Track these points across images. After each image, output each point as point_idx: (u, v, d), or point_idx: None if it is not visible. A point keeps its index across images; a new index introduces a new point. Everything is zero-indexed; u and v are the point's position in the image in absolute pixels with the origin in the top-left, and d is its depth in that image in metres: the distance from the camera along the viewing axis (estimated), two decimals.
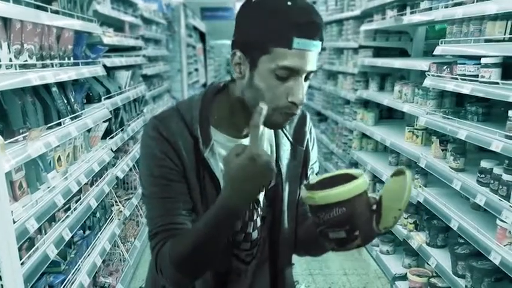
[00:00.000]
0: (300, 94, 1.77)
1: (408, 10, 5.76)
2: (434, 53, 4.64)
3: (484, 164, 3.89)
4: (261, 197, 2.06)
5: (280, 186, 2.10)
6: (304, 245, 2.19)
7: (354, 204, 1.61)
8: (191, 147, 1.87)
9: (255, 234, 2.07)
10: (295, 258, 2.27)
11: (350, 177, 1.67)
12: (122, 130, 5.87)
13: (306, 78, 1.80)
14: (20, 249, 2.97)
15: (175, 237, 1.82)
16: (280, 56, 1.70)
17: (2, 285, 2.76)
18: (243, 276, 2.12)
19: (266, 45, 1.71)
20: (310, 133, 2.22)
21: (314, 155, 2.26)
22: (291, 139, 2.12)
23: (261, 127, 1.75)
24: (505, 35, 3.75)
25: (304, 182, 1.99)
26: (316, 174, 2.28)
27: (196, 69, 15.82)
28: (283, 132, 2.10)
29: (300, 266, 6.02)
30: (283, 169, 2.10)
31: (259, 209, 2.06)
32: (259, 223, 2.08)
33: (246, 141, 1.94)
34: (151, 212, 1.92)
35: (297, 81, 1.76)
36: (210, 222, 1.72)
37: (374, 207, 1.71)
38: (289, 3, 1.68)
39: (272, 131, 2.07)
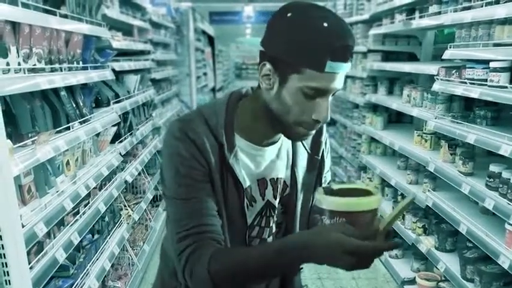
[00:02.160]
0: (325, 113, 1.80)
1: (417, 14, 5.76)
2: (443, 57, 4.63)
3: (493, 168, 3.88)
4: (277, 203, 2.08)
5: (295, 194, 2.11)
6: None
7: (355, 219, 1.61)
8: (216, 151, 1.87)
9: (270, 240, 2.10)
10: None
11: (368, 193, 1.69)
12: (130, 134, 5.86)
13: (332, 94, 1.82)
14: (28, 253, 2.98)
15: (218, 249, 1.79)
16: (311, 78, 1.71)
17: None
18: None
19: (298, 65, 1.71)
20: (326, 143, 2.23)
21: (327, 165, 2.27)
22: (308, 149, 2.13)
23: (281, 137, 1.92)
24: None
25: (325, 185, 1.99)
26: (328, 183, 2.29)
27: (205, 74, 15.84)
28: (302, 142, 2.11)
29: (309, 270, 6.01)
30: (299, 178, 2.11)
31: (274, 215, 2.08)
32: (274, 229, 2.11)
33: (268, 150, 2.00)
34: (178, 213, 1.87)
35: (324, 100, 1.78)
36: (269, 255, 1.70)
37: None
38: (325, 24, 1.67)
39: None
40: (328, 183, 2.28)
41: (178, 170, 1.85)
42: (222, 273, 1.73)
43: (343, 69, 1.73)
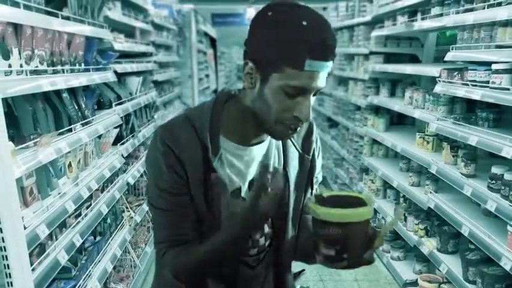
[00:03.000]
0: (306, 111, 1.81)
1: (419, 16, 5.75)
2: (445, 59, 4.63)
3: (495, 170, 3.88)
4: None
5: (287, 195, 2.12)
6: (303, 253, 2.19)
7: (350, 230, 1.67)
8: (200, 155, 1.89)
9: (262, 241, 2.11)
10: (306, 265, 2.27)
11: (359, 201, 1.74)
12: (132, 136, 5.88)
13: (315, 94, 1.83)
14: (30, 255, 2.98)
15: (179, 250, 1.96)
16: (291, 76, 1.72)
17: None
18: (250, 280, 2.15)
19: (278, 64, 1.72)
20: (316, 142, 2.24)
21: (319, 165, 2.29)
22: (299, 149, 2.14)
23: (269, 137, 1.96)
24: None
25: (316, 192, 2.00)
26: (320, 183, 2.32)
27: (207, 75, 15.85)
28: (291, 141, 2.12)
29: (311, 272, 6.01)
30: (291, 178, 2.12)
31: None
32: (266, 229, 2.11)
33: (254, 149, 2.01)
34: (157, 221, 2.03)
35: (305, 98, 1.79)
36: (215, 247, 1.91)
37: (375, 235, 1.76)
38: (304, 22, 1.68)
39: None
40: (320, 183, 2.31)
41: (157, 183, 1.93)
42: (183, 271, 1.98)
43: (323, 68, 1.74)
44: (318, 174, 2.29)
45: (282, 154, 2.12)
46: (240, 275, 2.11)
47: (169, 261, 1.97)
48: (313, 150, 2.20)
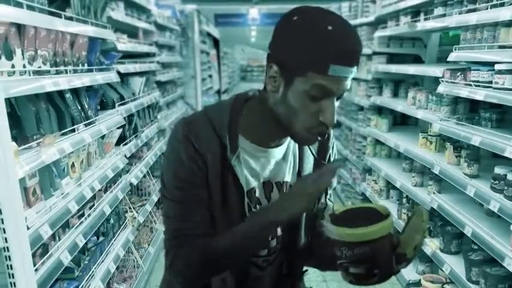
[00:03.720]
0: (331, 116, 1.78)
1: (422, 16, 5.76)
2: (448, 59, 4.63)
3: (498, 170, 3.88)
4: None
5: None
6: (318, 261, 2.22)
7: (378, 245, 1.65)
8: (218, 152, 1.89)
9: (273, 243, 2.10)
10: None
11: (375, 212, 1.73)
12: (135, 136, 5.88)
13: (339, 98, 1.82)
14: (33, 255, 2.98)
15: (198, 243, 1.89)
16: (316, 81, 1.70)
17: None
18: (260, 281, 2.15)
19: (302, 68, 1.71)
20: (333, 149, 2.24)
21: None
22: (315, 153, 2.14)
23: (288, 139, 1.96)
24: None
25: (329, 212, 1.97)
26: (334, 189, 2.31)
27: (210, 76, 15.85)
28: (308, 146, 2.10)
29: (314, 272, 5.96)
30: None
31: None
32: (279, 232, 2.11)
33: (274, 151, 2.01)
34: (170, 213, 1.95)
35: (329, 103, 1.77)
36: (246, 232, 1.86)
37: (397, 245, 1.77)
38: (329, 27, 1.66)
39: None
40: (334, 189, 2.31)
41: (176, 174, 1.90)
42: (216, 255, 1.88)
43: (348, 73, 1.73)
44: (333, 181, 2.27)
45: (297, 158, 2.11)
46: (250, 275, 2.11)
47: (186, 255, 1.89)
48: (329, 156, 2.20)
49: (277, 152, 2.02)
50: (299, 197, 1.75)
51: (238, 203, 1.93)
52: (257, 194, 2.00)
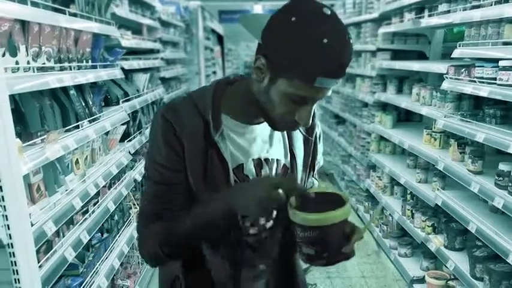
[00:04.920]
0: (306, 119, 1.86)
1: (426, 13, 5.74)
2: (452, 55, 4.63)
3: (502, 166, 3.88)
4: None
5: (295, 173, 2.17)
6: None
7: (328, 231, 1.74)
8: (201, 131, 1.95)
9: (262, 220, 2.13)
10: None
11: (338, 200, 1.81)
12: (140, 133, 5.88)
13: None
14: (38, 252, 2.99)
15: (162, 223, 1.97)
16: (299, 87, 1.73)
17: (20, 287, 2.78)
18: (255, 260, 2.19)
19: (289, 72, 1.72)
20: (318, 127, 2.31)
21: (321, 149, 2.36)
22: (303, 131, 2.20)
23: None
24: None
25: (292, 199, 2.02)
26: (321, 167, 2.41)
27: (214, 72, 15.83)
28: None
29: (318, 268, 6.00)
30: (299, 158, 2.18)
31: None
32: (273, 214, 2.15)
33: (257, 128, 2.06)
34: (146, 192, 2.06)
35: (308, 106, 1.83)
36: (194, 211, 1.92)
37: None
38: (325, 40, 1.65)
39: None
40: (321, 167, 2.37)
41: (154, 157, 1.99)
42: (167, 242, 1.96)
43: (333, 84, 1.77)
44: (320, 159, 2.38)
45: (286, 135, 2.17)
46: (244, 256, 2.14)
47: (151, 233, 1.99)
48: (316, 133, 2.26)
49: (261, 129, 2.07)
50: (247, 196, 1.78)
51: (223, 179, 1.97)
52: (245, 171, 2.04)
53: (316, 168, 2.35)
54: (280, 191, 1.74)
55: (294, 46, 1.68)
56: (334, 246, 1.76)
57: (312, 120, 2.11)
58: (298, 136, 2.19)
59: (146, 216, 2.03)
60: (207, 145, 1.94)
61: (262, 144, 2.08)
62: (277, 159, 2.12)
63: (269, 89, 1.81)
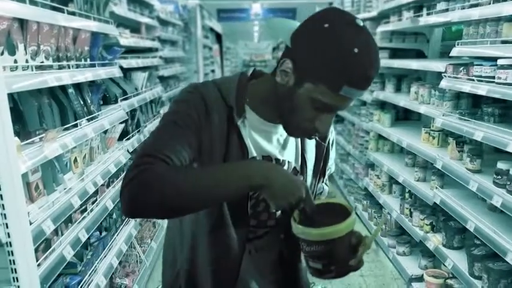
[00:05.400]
0: (326, 127, 1.88)
1: (425, 11, 5.75)
2: (450, 54, 4.62)
3: (501, 165, 3.88)
4: None
5: (304, 177, 2.16)
6: None
7: (333, 245, 1.72)
8: (225, 114, 1.93)
9: (264, 216, 2.11)
10: None
11: (342, 210, 1.82)
12: (138, 131, 5.88)
13: None
14: (36, 250, 2.99)
15: (171, 167, 1.77)
16: (324, 94, 1.74)
17: (18, 286, 2.78)
18: (256, 254, 2.17)
19: (316, 79, 1.73)
20: (332, 133, 2.29)
21: (332, 155, 2.34)
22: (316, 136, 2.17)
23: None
24: None
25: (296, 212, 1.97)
26: (332, 174, 2.37)
27: (212, 71, 15.86)
28: None
29: None
30: (310, 162, 2.17)
31: None
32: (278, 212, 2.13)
33: (276, 127, 2.04)
34: (156, 138, 1.88)
35: (329, 115, 1.85)
36: (222, 169, 1.83)
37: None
38: (356, 50, 1.67)
39: None
40: (332, 174, 2.38)
41: (178, 108, 1.93)
42: (176, 189, 1.71)
43: (358, 95, 1.78)
44: (332, 165, 2.36)
45: (299, 141, 2.16)
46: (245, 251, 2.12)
47: (158, 172, 1.71)
48: (329, 139, 2.24)
49: (279, 129, 2.06)
50: (290, 182, 1.75)
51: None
52: None
53: (327, 174, 2.34)
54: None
55: (324, 52, 1.70)
56: (340, 259, 1.76)
57: None
58: (311, 142, 2.18)
59: (153, 158, 1.76)
60: (229, 128, 1.93)
61: (276, 144, 2.08)
62: (288, 161, 2.11)
63: (293, 92, 1.81)
